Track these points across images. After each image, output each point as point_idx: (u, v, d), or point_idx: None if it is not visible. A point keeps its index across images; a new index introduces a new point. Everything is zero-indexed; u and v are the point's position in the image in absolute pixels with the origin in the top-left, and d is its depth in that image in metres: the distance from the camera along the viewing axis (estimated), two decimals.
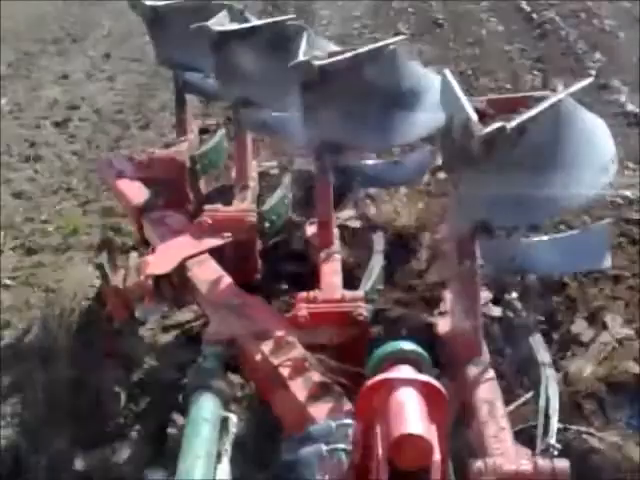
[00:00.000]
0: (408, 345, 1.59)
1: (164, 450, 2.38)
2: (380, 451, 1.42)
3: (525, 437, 1.85)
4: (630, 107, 5.33)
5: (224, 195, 3.47)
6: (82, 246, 4.15)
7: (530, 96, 2.27)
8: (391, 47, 2.70)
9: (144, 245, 3.30)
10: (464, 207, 2.08)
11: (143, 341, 3.03)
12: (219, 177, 4.05)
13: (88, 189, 4.76)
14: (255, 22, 3.22)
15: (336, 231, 2.93)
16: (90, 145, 5.43)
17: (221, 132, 3.90)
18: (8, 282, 3.84)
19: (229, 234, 2.99)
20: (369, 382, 1.49)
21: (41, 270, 3.95)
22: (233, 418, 2.10)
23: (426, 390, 1.45)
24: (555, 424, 1.81)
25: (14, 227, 4.43)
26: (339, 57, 2.63)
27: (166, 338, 3.09)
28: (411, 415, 1.40)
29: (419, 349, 1.59)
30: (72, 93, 6.48)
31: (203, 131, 4.47)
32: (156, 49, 3.71)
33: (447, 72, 2.19)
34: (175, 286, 2.84)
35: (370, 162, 3.08)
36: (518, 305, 2.19)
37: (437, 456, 1.37)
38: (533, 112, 1.98)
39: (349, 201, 3.44)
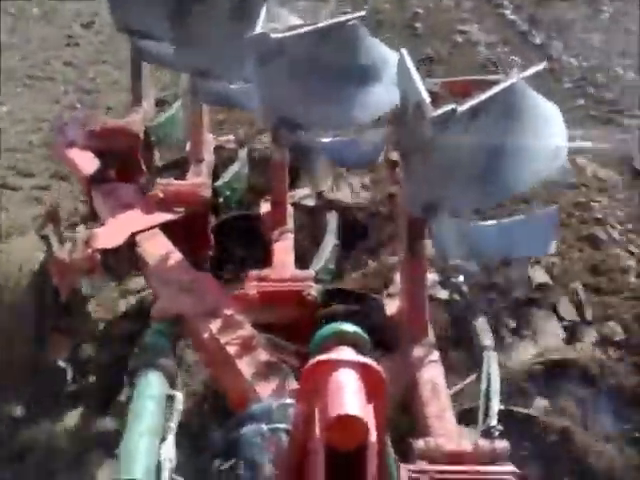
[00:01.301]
0: (348, 327, 1.58)
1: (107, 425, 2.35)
2: (318, 431, 1.42)
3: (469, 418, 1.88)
4: None
5: (179, 169, 3.41)
6: None
7: (484, 80, 2.27)
8: (351, 22, 2.66)
9: (94, 217, 3.23)
10: (415, 188, 2.07)
11: (89, 316, 2.97)
12: (175, 150, 3.97)
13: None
14: None
15: (290, 209, 2.90)
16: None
17: (177, 103, 3.82)
18: None
19: (181, 209, 2.94)
20: (309, 363, 1.49)
21: None
22: (179, 396, 2.08)
23: (365, 371, 1.45)
24: (496, 406, 1.83)
25: None
26: (297, 30, 2.58)
27: (115, 311, 3.04)
28: (348, 396, 1.40)
29: (359, 331, 1.58)
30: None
31: (160, 102, 4.37)
32: (114, 15, 3.60)
33: (404, 52, 2.17)
34: (123, 261, 2.79)
35: (327, 140, 3.05)
36: (464, 288, 2.21)
37: (373, 437, 1.38)
38: (485, 95, 1.98)
39: (305, 179, 3.42)
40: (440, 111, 1.87)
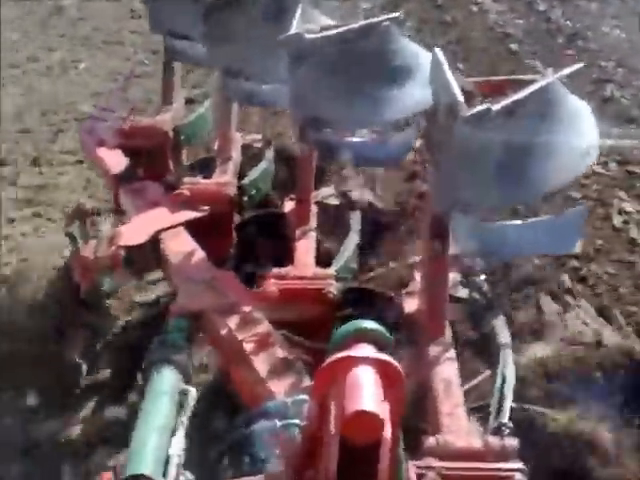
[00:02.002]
0: (369, 324, 1.55)
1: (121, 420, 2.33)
2: (332, 426, 1.39)
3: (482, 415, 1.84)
4: None
5: (207, 167, 3.40)
6: None
7: (519, 79, 2.23)
8: (384, 24, 2.64)
9: (121, 215, 3.23)
10: (444, 186, 2.03)
11: (109, 313, 2.97)
12: (204, 148, 3.97)
13: None
14: None
15: (314, 208, 2.87)
16: None
17: (207, 103, 3.82)
18: None
19: (206, 207, 2.93)
20: (327, 359, 1.46)
21: None
22: (192, 392, 2.05)
23: (383, 368, 1.42)
24: (509, 403, 1.81)
25: None
26: (331, 31, 2.56)
27: (133, 309, 3.03)
28: (365, 392, 1.38)
29: (380, 328, 1.54)
30: None
31: (189, 101, 4.39)
32: (149, 15, 3.63)
33: (437, 51, 2.14)
34: (147, 258, 2.78)
35: (354, 140, 3.02)
36: (485, 287, 2.17)
37: (388, 434, 1.35)
38: (520, 95, 1.94)
39: (330, 179, 3.39)
40: (474, 110, 1.84)
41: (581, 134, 1.99)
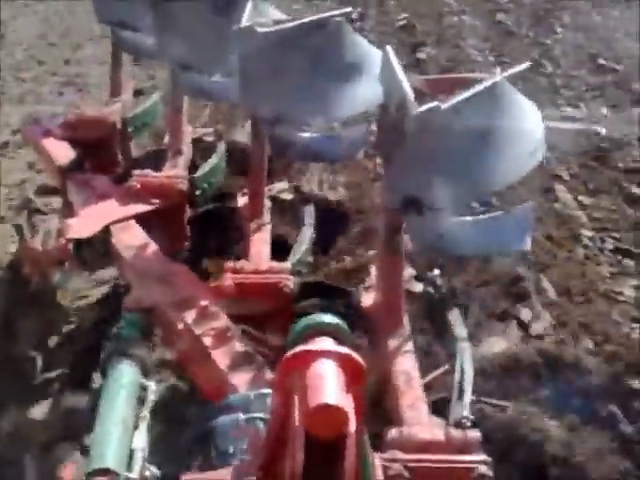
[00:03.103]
0: (328, 318, 1.58)
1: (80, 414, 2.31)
2: (297, 421, 1.42)
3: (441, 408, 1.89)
4: None
5: (156, 160, 3.38)
6: None
7: (468, 78, 2.29)
8: (336, 19, 2.66)
9: (68, 207, 3.18)
10: (395, 183, 2.08)
11: (61, 306, 2.92)
12: (153, 141, 3.93)
13: None
14: None
15: (268, 202, 2.89)
16: None
17: (156, 94, 3.78)
18: None
19: (157, 200, 2.91)
20: (288, 353, 1.48)
21: None
22: (152, 386, 2.06)
23: (344, 362, 1.45)
24: (469, 396, 1.85)
25: None
26: (283, 25, 2.57)
27: (84, 302, 3.00)
28: (328, 386, 1.40)
29: (339, 322, 1.58)
30: None
31: (138, 92, 4.32)
32: (96, 5, 3.56)
33: (388, 48, 2.18)
34: (97, 251, 2.75)
35: (306, 135, 3.05)
36: (439, 281, 2.23)
37: (352, 426, 1.38)
38: (468, 93, 1.99)
39: (282, 173, 3.41)
40: (424, 107, 1.88)
41: (528, 132, 2.06)
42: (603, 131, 4.86)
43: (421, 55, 6.43)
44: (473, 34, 7.13)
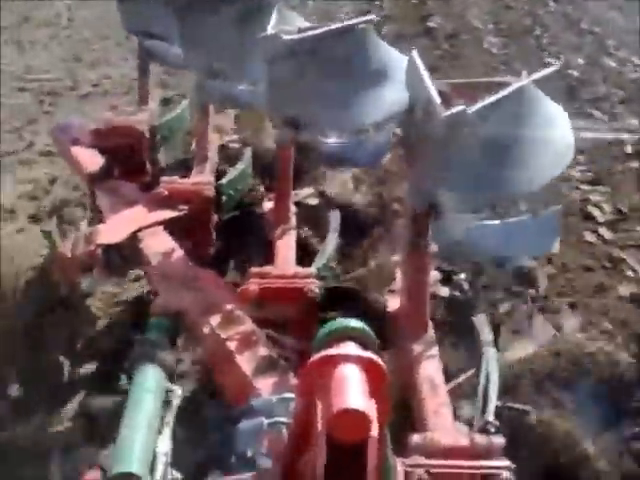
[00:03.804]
0: (353, 322, 1.57)
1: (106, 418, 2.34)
2: (319, 425, 1.41)
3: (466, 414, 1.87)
4: None
5: (183, 167, 3.41)
6: None
7: (494, 82, 2.27)
8: (361, 26, 2.67)
9: (97, 214, 3.23)
10: (421, 187, 2.07)
11: (90, 311, 2.96)
12: (180, 148, 3.97)
13: None
14: None
15: (293, 208, 2.90)
16: None
17: (184, 103, 3.82)
18: None
19: (184, 206, 2.94)
20: (312, 357, 1.48)
21: None
22: (177, 390, 2.07)
23: (367, 366, 1.44)
24: (494, 402, 1.83)
25: None
26: (308, 33, 2.58)
27: (115, 306, 3.03)
28: (351, 390, 1.39)
29: (364, 327, 1.57)
30: None
31: (166, 101, 4.38)
32: (123, 16, 3.62)
33: (414, 53, 2.18)
34: (125, 257, 2.78)
35: (332, 141, 3.06)
36: (465, 285, 2.21)
37: (375, 431, 1.37)
38: (495, 97, 1.98)
39: (308, 179, 3.41)
40: (451, 111, 1.88)
41: (556, 135, 2.04)
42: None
43: (431, 24, 7.31)
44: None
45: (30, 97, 5.87)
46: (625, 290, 3.13)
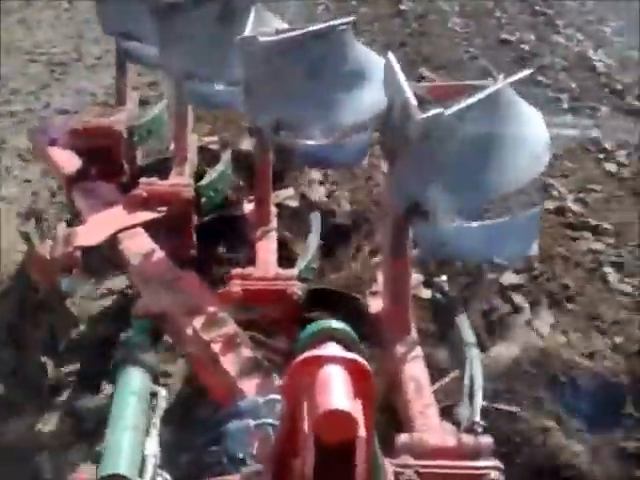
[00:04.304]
0: (336, 324, 1.59)
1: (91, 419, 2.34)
2: (306, 426, 1.43)
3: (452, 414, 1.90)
4: None
5: (162, 168, 3.41)
6: None
7: (470, 84, 2.31)
8: (338, 28, 2.69)
9: (76, 216, 3.21)
10: (399, 189, 2.10)
11: (70, 312, 2.95)
12: (159, 149, 3.96)
13: None
14: None
15: (274, 209, 2.91)
16: None
17: (162, 104, 3.82)
18: None
19: (164, 208, 2.94)
20: (296, 359, 1.50)
21: None
22: (162, 392, 2.08)
23: (352, 367, 1.46)
24: (479, 402, 1.86)
25: None
26: (286, 34, 2.60)
27: (94, 307, 3.03)
28: (337, 391, 1.41)
29: (346, 327, 1.60)
30: None
31: (144, 102, 4.36)
32: (100, 17, 3.60)
33: (391, 56, 2.20)
34: (105, 258, 2.78)
35: (311, 142, 3.08)
36: (446, 287, 2.24)
37: (362, 432, 1.39)
38: (471, 100, 2.02)
39: (288, 179, 3.43)
40: (428, 114, 1.91)
41: (533, 138, 2.08)
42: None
43: (402, 7, 8.09)
44: None
45: (41, 67, 6.54)
46: None
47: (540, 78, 5.85)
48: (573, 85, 5.90)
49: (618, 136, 4.84)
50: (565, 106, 5.44)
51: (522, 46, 6.81)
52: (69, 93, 5.91)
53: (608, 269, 3.35)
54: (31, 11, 8.18)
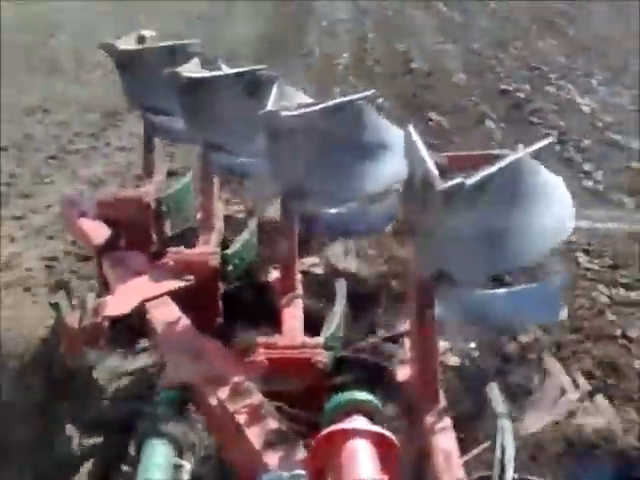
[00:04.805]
0: (361, 395, 1.59)
1: None
2: None
3: None
4: None
5: (189, 238, 3.46)
6: None
7: (491, 154, 2.34)
8: (358, 102, 2.76)
9: (104, 286, 3.26)
10: (423, 257, 2.11)
11: (96, 383, 2.96)
12: (187, 220, 4.03)
13: None
14: (226, 70, 3.27)
15: (299, 276, 2.93)
16: None
17: (189, 175, 3.91)
18: None
19: (191, 277, 2.98)
20: (322, 432, 1.49)
21: None
22: (186, 465, 2.06)
23: (378, 440, 1.45)
24: (511, 474, 1.81)
25: None
26: (307, 109, 2.68)
27: (121, 382, 3.03)
28: (363, 465, 1.40)
29: (373, 399, 1.59)
30: None
31: (171, 173, 4.48)
32: (127, 91, 3.74)
33: (411, 127, 2.25)
34: (132, 329, 2.80)
35: (334, 211, 3.12)
36: (475, 354, 2.21)
37: None
38: (492, 169, 2.04)
39: (313, 248, 3.46)
40: (449, 184, 1.93)
41: (555, 207, 2.09)
42: None
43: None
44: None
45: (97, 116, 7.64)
46: None
47: (532, 119, 6.77)
48: (561, 123, 6.65)
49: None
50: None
51: (518, 94, 7.64)
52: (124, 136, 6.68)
53: None
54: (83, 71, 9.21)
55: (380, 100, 6.50)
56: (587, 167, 5.61)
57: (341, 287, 2.92)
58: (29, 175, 5.99)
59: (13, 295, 3.95)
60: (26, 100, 7.90)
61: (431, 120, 6.70)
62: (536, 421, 2.49)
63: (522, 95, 7.70)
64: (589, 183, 5.34)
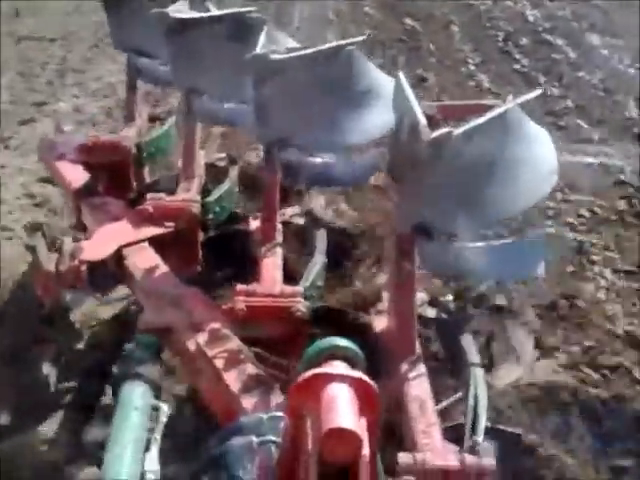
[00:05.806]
0: (342, 341, 1.58)
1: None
2: (310, 444, 1.42)
3: (455, 435, 1.88)
4: None
5: (169, 185, 3.41)
6: None
7: (480, 104, 2.32)
8: (349, 47, 2.70)
9: (82, 230, 3.22)
10: (406, 208, 2.10)
11: (73, 327, 2.95)
12: (168, 166, 3.98)
13: None
14: (214, 12, 3.18)
15: (280, 227, 2.91)
16: None
17: (171, 120, 3.84)
18: None
19: (170, 224, 2.94)
20: (301, 376, 1.48)
21: None
22: (164, 407, 2.06)
23: (357, 386, 1.45)
24: (483, 423, 1.84)
25: None
26: (296, 53, 2.62)
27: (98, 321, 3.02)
28: (342, 410, 1.40)
29: (353, 346, 1.58)
30: None
31: (153, 118, 4.39)
32: (112, 32, 3.64)
33: (401, 75, 2.22)
34: (110, 273, 2.77)
35: (318, 160, 3.08)
36: (452, 307, 2.23)
37: (366, 451, 1.37)
38: (480, 120, 2.02)
39: (294, 197, 3.43)
40: (436, 134, 1.91)
41: (540, 159, 2.09)
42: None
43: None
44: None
45: None
46: None
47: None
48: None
49: None
50: None
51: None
52: None
53: None
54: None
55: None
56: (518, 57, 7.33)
57: (321, 237, 2.91)
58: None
59: None
60: None
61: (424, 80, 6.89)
62: (509, 372, 2.54)
63: (483, 7, 9.13)
64: (517, 66, 7.10)
